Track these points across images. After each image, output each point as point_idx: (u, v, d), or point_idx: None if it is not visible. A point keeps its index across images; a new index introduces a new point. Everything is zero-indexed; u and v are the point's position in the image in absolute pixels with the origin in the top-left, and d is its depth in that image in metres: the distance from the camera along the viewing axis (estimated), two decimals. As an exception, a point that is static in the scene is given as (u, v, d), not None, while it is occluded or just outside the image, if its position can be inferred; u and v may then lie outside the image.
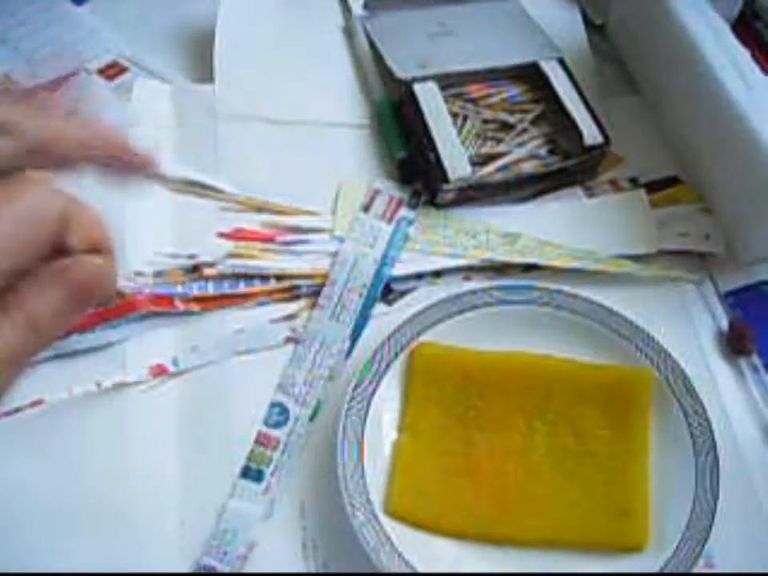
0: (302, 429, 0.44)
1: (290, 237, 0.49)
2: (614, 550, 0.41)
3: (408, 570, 0.38)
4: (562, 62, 0.54)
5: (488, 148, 0.52)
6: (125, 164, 0.25)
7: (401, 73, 0.53)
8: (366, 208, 0.51)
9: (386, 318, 0.47)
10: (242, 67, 0.56)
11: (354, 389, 0.42)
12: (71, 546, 0.40)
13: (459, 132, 0.51)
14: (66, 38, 0.58)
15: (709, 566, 0.40)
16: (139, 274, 0.47)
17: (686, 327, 0.48)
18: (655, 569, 0.39)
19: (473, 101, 0.54)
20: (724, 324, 0.48)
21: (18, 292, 0.22)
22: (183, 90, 0.56)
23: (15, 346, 0.22)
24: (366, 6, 0.59)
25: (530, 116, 0.53)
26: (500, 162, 0.51)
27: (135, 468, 0.42)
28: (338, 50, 0.59)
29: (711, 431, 0.42)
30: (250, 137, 0.53)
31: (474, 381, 0.44)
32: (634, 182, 0.54)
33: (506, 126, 0.53)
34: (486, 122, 0.53)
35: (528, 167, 0.51)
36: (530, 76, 0.55)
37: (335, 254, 0.48)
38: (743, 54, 0.50)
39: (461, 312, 0.45)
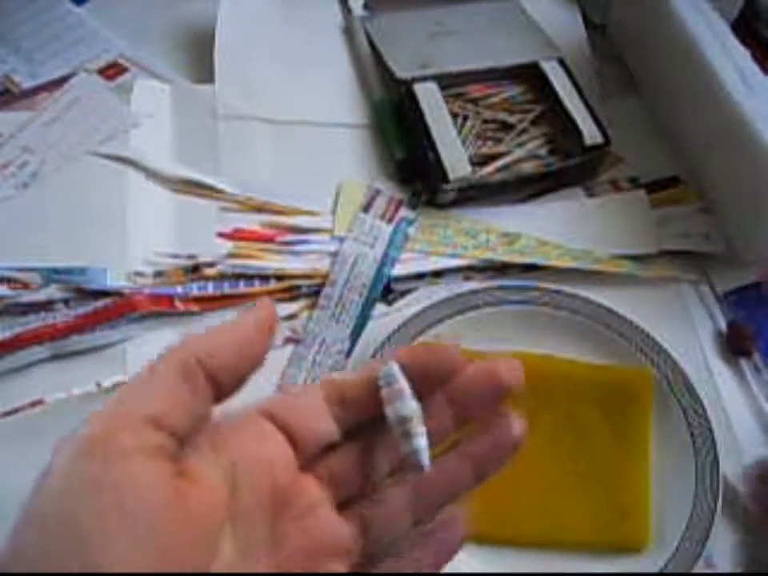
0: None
1: (289, 237, 0.49)
2: (614, 549, 0.41)
3: (408, 570, 0.38)
4: (562, 62, 0.54)
5: (488, 148, 0.52)
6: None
7: (401, 73, 0.53)
8: (366, 208, 0.51)
9: (386, 318, 0.47)
10: (241, 67, 0.56)
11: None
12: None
13: (459, 132, 0.51)
14: (66, 38, 0.58)
15: (709, 566, 0.40)
16: (139, 274, 0.47)
17: (685, 327, 0.48)
18: (655, 569, 0.39)
19: (473, 101, 0.54)
20: (724, 324, 0.48)
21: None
22: (183, 90, 0.56)
23: None
24: (365, 6, 0.59)
25: (530, 116, 0.53)
26: (500, 162, 0.51)
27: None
28: (338, 49, 0.59)
29: (711, 431, 0.42)
30: (250, 137, 0.53)
31: (474, 381, 0.44)
32: (634, 181, 0.54)
33: (506, 126, 0.53)
34: (486, 121, 0.53)
35: (528, 167, 0.51)
36: (530, 76, 0.55)
37: (335, 254, 0.48)
38: (743, 54, 0.50)
39: (461, 312, 0.45)
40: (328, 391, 0.26)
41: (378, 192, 0.51)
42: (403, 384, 0.25)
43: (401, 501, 0.26)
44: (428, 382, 0.26)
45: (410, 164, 0.52)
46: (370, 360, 0.26)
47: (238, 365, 0.23)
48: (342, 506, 0.26)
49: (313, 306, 0.47)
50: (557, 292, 0.46)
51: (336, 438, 0.26)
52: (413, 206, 0.51)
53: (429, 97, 0.51)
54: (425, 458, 0.24)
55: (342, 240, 0.49)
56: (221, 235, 0.49)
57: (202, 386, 0.22)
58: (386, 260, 0.48)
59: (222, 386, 0.23)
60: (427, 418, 0.25)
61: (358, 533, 0.25)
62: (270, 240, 0.49)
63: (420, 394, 0.25)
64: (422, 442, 0.24)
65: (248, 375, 0.24)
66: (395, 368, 0.25)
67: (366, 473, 0.26)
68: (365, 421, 0.26)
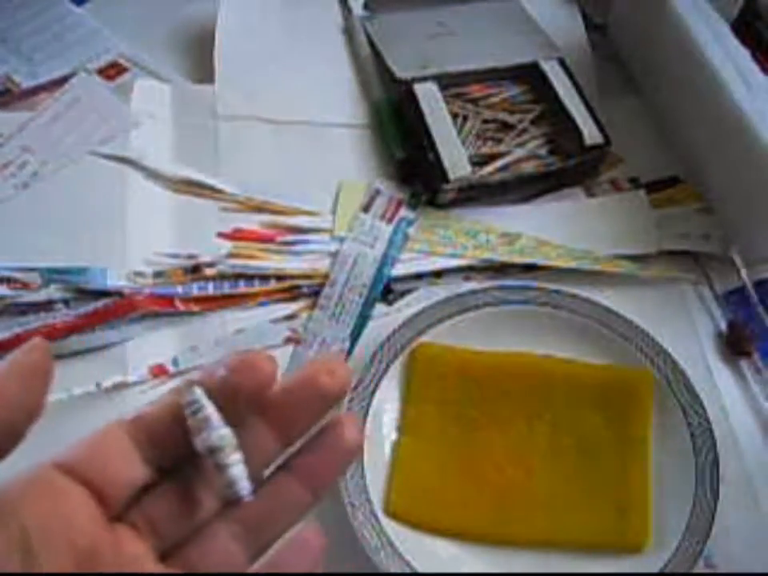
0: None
1: (289, 237, 0.49)
2: (614, 549, 0.41)
3: (408, 570, 0.38)
4: (562, 62, 0.54)
5: (488, 148, 0.52)
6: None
7: (401, 73, 0.53)
8: (366, 208, 0.51)
9: (386, 318, 0.47)
10: (241, 67, 0.56)
11: (354, 389, 0.42)
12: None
13: (459, 132, 0.51)
14: (66, 38, 0.58)
15: (709, 566, 0.40)
16: (139, 274, 0.47)
17: (685, 327, 0.48)
18: (655, 569, 0.39)
19: (473, 101, 0.54)
20: (723, 324, 0.48)
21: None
22: (183, 90, 0.56)
23: None
24: (365, 6, 0.59)
25: (529, 116, 0.53)
26: (500, 162, 0.51)
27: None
28: (338, 50, 0.59)
29: (711, 431, 0.42)
30: (250, 137, 0.53)
31: (474, 381, 0.44)
32: (634, 181, 0.54)
33: (506, 126, 0.53)
34: (486, 121, 0.53)
35: (528, 167, 0.51)
36: (530, 76, 0.55)
37: (335, 254, 0.48)
38: (743, 54, 0.50)
39: (461, 312, 0.45)
40: (132, 430, 0.23)
41: (378, 192, 0.51)
42: (209, 410, 0.22)
43: (230, 538, 0.24)
44: (238, 402, 0.23)
45: (410, 164, 0.52)
46: (175, 386, 0.24)
47: (8, 419, 0.21)
48: (168, 553, 0.23)
49: (313, 306, 0.47)
50: (557, 292, 0.46)
51: (147, 481, 0.23)
52: (413, 206, 0.51)
53: (429, 97, 0.51)
54: (242, 489, 0.22)
55: (342, 240, 0.49)
56: (221, 235, 0.49)
57: None
58: (386, 260, 0.48)
59: None
60: (246, 442, 0.23)
61: None
62: (269, 240, 0.49)
63: (233, 418, 0.23)
64: (235, 471, 0.22)
65: (23, 429, 0.21)
66: (198, 393, 0.23)
67: (189, 513, 0.24)
68: (179, 455, 0.23)
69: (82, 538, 0.21)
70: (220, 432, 0.22)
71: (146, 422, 0.23)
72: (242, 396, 0.23)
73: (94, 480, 0.22)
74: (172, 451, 0.23)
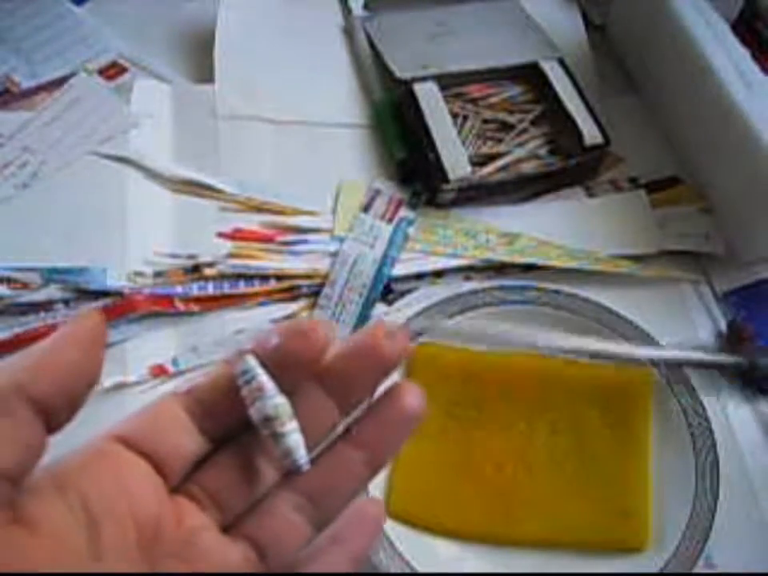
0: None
1: (289, 237, 0.49)
2: (614, 549, 0.41)
3: (408, 570, 0.38)
4: (562, 62, 0.54)
5: (488, 148, 0.52)
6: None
7: (401, 73, 0.53)
8: (366, 208, 0.51)
9: (386, 318, 0.47)
10: (241, 67, 0.56)
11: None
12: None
13: (459, 132, 0.51)
14: (66, 38, 0.58)
15: (709, 566, 0.40)
16: (139, 274, 0.47)
17: (685, 327, 0.48)
18: (655, 569, 0.39)
19: (473, 101, 0.54)
20: (724, 324, 0.48)
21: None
22: (183, 90, 0.56)
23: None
24: (366, 6, 0.59)
25: (530, 116, 0.53)
26: (500, 162, 0.51)
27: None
28: (338, 50, 0.59)
29: (711, 431, 0.42)
30: (250, 137, 0.53)
31: (474, 381, 0.44)
32: (634, 181, 0.54)
33: (506, 126, 0.53)
34: (486, 121, 0.53)
35: (528, 167, 0.51)
36: (530, 76, 0.55)
37: (335, 254, 0.48)
38: (743, 54, 0.50)
39: (461, 312, 0.45)
40: (187, 401, 0.23)
41: (378, 192, 0.51)
42: (263, 379, 0.22)
43: (292, 509, 0.23)
44: (293, 370, 0.23)
45: (410, 164, 0.52)
46: (228, 356, 0.24)
47: (67, 385, 0.20)
48: (231, 524, 0.23)
49: (313, 306, 0.47)
50: (557, 292, 0.46)
51: (204, 452, 0.23)
52: (413, 206, 0.51)
53: (429, 97, 0.51)
54: (299, 458, 0.22)
55: (341, 240, 0.49)
56: (221, 235, 0.49)
57: (26, 416, 0.20)
58: (386, 260, 0.48)
59: (53, 412, 0.20)
60: (304, 411, 0.23)
61: (252, 552, 0.23)
62: (269, 240, 0.49)
63: (288, 386, 0.23)
64: (291, 441, 0.22)
65: (83, 396, 0.21)
66: (252, 362, 0.22)
67: (248, 484, 0.23)
68: (235, 426, 0.23)
69: (144, 509, 0.21)
70: (275, 401, 0.22)
71: (199, 393, 0.23)
72: (296, 363, 0.23)
73: (153, 452, 0.22)
74: (227, 422, 0.23)
